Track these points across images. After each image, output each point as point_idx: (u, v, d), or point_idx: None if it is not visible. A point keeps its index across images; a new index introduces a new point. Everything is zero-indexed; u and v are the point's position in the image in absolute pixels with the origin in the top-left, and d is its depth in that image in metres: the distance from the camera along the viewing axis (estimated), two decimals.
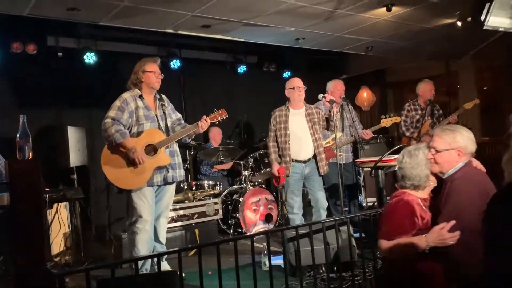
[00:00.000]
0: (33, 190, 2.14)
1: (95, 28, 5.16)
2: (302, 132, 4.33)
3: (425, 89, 5.48)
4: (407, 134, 5.42)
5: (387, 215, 2.50)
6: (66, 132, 5.00)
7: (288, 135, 4.32)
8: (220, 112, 3.80)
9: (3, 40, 5.22)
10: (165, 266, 3.65)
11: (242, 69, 7.17)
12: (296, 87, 4.35)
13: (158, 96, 3.79)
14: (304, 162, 4.32)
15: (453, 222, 2.15)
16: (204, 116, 3.70)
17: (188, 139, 3.89)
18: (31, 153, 2.29)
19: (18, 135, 2.27)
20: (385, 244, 2.38)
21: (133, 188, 3.53)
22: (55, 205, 4.43)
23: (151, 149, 3.57)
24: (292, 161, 4.29)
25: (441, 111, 5.59)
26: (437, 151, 2.40)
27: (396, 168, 2.61)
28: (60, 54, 5.53)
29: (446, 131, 2.43)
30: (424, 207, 2.47)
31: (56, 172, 5.21)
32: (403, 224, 2.37)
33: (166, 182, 3.67)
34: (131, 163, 3.49)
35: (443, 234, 2.16)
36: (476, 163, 2.43)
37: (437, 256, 2.25)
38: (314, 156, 4.34)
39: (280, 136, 4.36)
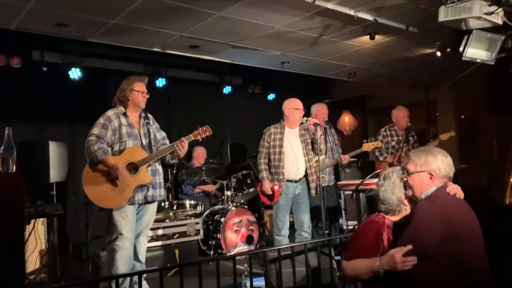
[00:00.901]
0: (15, 205, 2.12)
1: (81, 44, 5.15)
2: (296, 151, 4.38)
3: (398, 115, 5.58)
4: (381, 159, 5.48)
5: (354, 236, 2.48)
6: (48, 146, 4.93)
7: (283, 153, 4.35)
8: (204, 129, 3.73)
9: None
10: (144, 286, 3.59)
11: (227, 89, 7.25)
12: (300, 108, 4.42)
13: (143, 114, 3.79)
14: (296, 181, 4.36)
15: (409, 246, 2.07)
16: (182, 138, 3.64)
17: (172, 159, 3.85)
18: (14, 167, 2.26)
19: (2, 147, 2.24)
20: (344, 263, 2.33)
21: (113, 207, 3.49)
22: (32, 221, 4.34)
23: (132, 168, 3.53)
24: (285, 180, 4.32)
25: (416, 137, 5.65)
26: (408, 173, 2.32)
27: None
28: (44, 68, 5.49)
29: (419, 152, 2.36)
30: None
31: (35, 187, 5.11)
32: (365, 245, 2.30)
33: (146, 201, 3.64)
34: (112, 181, 3.46)
35: (395, 258, 2.07)
36: (452, 188, 2.28)
37: (392, 281, 2.15)
38: (306, 176, 4.38)
39: (274, 154, 4.38)
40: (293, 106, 4.45)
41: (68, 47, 5.63)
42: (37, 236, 4.45)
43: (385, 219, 2.40)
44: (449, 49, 4.91)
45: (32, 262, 4.45)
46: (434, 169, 2.27)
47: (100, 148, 3.44)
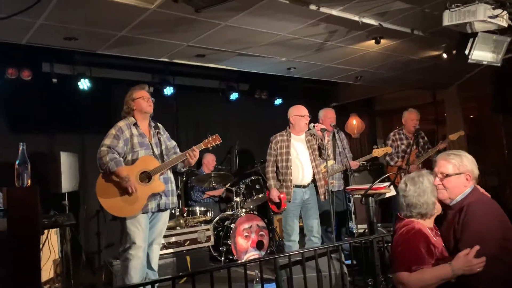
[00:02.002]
0: (30, 218, 2.17)
1: (90, 55, 5.24)
2: (303, 158, 4.42)
3: (409, 118, 5.57)
4: (392, 163, 5.48)
5: (401, 246, 2.33)
6: (59, 157, 5.00)
7: (290, 160, 4.38)
8: (214, 137, 3.84)
9: None
10: None
11: (234, 96, 7.29)
12: (305, 115, 4.46)
13: (153, 124, 3.85)
14: (304, 187, 4.39)
15: (477, 247, 2.07)
16: (194, 147, 3.72)
17: (183, 168, 3.92)
18: (29, 181, 2.32)
19: (17, 162, 2.31)
20: (406, 276, 2.21)
21: (128, 216, 3.55)
22: (45, 231, 4.40)
23: (145, 176, 3.60)
24: (293, 186, 4.35)
25: (426, 138, 5.64)
26: (447, 175, 2.32)
27: (400, 197, 2.45)
28: (54, 80, 5.58)
29: (452, 155, 2.37)
30: (434, 236, 2.36)
31: (48, 197, 5.18)
32: (420, 253, 2.24)
33: (159, 209, 3.70)
34: (125, 191, 3.52)
35: (470, 260, 2.06)
36: (481, 189, 2.36)
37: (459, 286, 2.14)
38: (314, 181, 4.41)
39: (281, 161, 4.41)
40: (298, 113, 4.49)
41: (77, 58, 5.71)
42: (50, 246, 4.51)
43: (421, 225, 2.36)
44: (454, 52, 4.93)
45: (47, 271, 4.51)
46: (470, 170, 2.32)
47: (112, 159, 3.50)
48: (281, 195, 4.36)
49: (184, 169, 4.02)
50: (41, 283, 2.14)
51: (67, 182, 5.08)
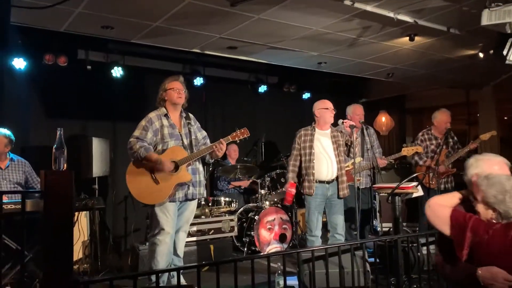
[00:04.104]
0: (65, 200, 2.25)
1: (124, 44, 5.34)
2: (327, 153, 4.39)
3: (442, 120, 5.38)
4: (421, 163, 5.38)
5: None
6: (91, 143, 5.14)
7: (313, 154, 4.37)
8: (242, 131, 3.85)
9: (37, 52, 5.44)
10: (181, 280, 3.72)
11: (263, 88, 7.31)
12: (330, 108, 4.43)
13: (184, 114, 3.91)
14: (328, 183, 4.37)
15: None
16: (221, 139, 3.76)
17: (211, 159, 3.97)
18: (65, 165, 2.41)
19: (54, 147, 2.39)
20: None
21: (154, 203, 3.64)
22: (76, 214, 4.56)
23: (173, 166, 3.67)
24: (316, 181, 4.35)
25: (455, 138, 5.48)
26: None
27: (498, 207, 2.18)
28: (89, 67, 5.73)
29: None
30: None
31: (79, 181, 5.35)
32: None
33: (186, 199, 3.78)
34: (154, 179, 3.61)
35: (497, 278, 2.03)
36: None
37: None
38: (337, 178, 4.40)
39: (304, 155, 4.41)
40: (323, 106, 4.46)
41: (111, 47, 5.84)
42: (80, 228, 4.68)
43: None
44: (492, 51, 4.80)
45: (76, 252, 4.68)
46: None
47: (142, 146, 3.60)
48: (291, 191, 4.39)
49: (212, 161, 4.06)
50: (73, 260, 2.23)
51: (98, 167, 5.22)
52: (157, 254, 3.62)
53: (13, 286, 3.70)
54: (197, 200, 3.93)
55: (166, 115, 3.80)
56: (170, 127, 3.77)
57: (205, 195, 3.95)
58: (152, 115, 3.76)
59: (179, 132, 3.81)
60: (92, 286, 2.21)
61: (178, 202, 3.75)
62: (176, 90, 3.79)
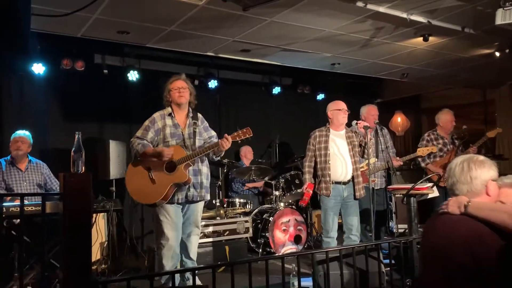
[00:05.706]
0: (84, 202, 2.31)
1: (139, 48, 5.44)
2: (342, 154, 4.37)
3: (447, 120, 5.36)
4: (423, 164, 5.34)
5: None
6: (108, 145, 5.24)
7: (329, 155, 4.36)
8: (244, 130, 3.64)
9: (55, 57, 5.56)
10: (196, 281, 3.74)
11: (276, 90, 7.32)
12: (343, 109, 4.42)
13: (191, 114, 3.85)
14: (344, 183, 4.36)
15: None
16: (226, 135, 3.62)
17: (215, 157, 3.84)
18: (83, 167, 2.48)
19: (73, 150, 2.46)
20: None
21: (150, 202, 3.64)
22: (94, 215, 4.64)
23: (171, 166, 3.63)
24: (332, 182, 4.34)
25: (459, 138, 5.43)
26: None
27: None
28: (105, 71, 5.84)
29: None
30: None
31: (96, 183, 5.45)
32: None
33: (187, 201, 3.72)
34: (150, 178, 3.61)
35: None
36: None
37: None
38: (353, 179, 4.39)
39: (319, 157, 4.41)
40: (336, 107, 4.45)
41: (127, 51, 5.94)
42: (98, 230, 4.77)
43: None
44: (508, 50, 4.74)
45: (94, 253, 4.76)
46: None
47: (140, 143, 3.65)
48: (309, 191, 4.38)
49: (217, 158, 3.90)
50: (91, 261, 2.28)
51: (115, 169, 5.32)
52: (162, 258, 3.62)
53: (34, 286, 3.79)
54: (203, 202, 3.88)
55: (170, 115, 3.79)
56: (173, 127, 3.76)
57: (207, 198, 3.85)
58: (156, 114, 3.79)
59: (182, 132, 3.77)
60: (110, 286, 2.27)
61: (179, 205, 3.72)
62: (177, 90, 3.76)
